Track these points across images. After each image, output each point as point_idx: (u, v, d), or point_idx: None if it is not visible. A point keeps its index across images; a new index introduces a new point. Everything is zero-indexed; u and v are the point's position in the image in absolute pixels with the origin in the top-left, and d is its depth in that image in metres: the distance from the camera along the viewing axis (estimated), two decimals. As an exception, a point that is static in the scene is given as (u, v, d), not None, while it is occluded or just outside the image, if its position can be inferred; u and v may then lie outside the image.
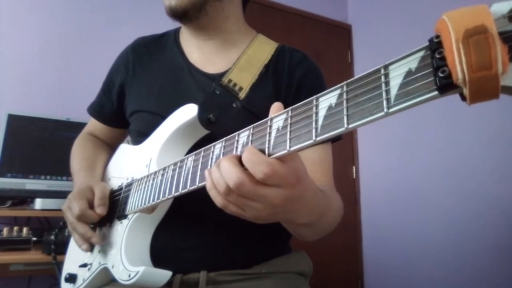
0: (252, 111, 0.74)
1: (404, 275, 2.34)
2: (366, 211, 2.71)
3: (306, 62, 0.84)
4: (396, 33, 2.49)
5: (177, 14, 0.77)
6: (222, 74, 0.77)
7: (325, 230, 0.66)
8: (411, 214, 2.35)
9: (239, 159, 0.44)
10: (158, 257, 0.69)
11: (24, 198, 1.61)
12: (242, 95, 0.75)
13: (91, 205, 0.73)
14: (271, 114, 0.45)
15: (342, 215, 0.70)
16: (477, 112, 2.02)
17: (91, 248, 0.74)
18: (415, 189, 2.34)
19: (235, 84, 0.76)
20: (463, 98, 0.28)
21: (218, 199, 0.46)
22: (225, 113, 0.71)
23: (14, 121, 1.69)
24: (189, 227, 0.72)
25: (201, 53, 0.84)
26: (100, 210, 0.72)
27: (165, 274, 0.63)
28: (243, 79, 0.77)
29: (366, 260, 2.67)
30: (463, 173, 2.09)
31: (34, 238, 1.41)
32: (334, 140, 0.82)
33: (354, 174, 2.78)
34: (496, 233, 1.92)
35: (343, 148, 2.72)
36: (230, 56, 0.82)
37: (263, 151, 0.43)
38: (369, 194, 2.70)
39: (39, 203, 1.50)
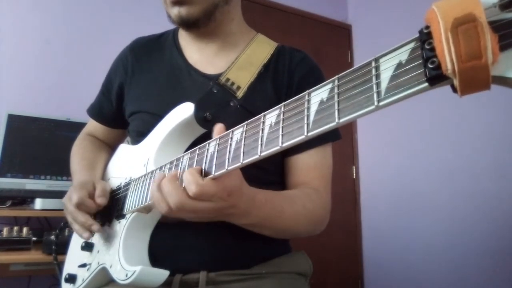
0: (249, 110, 0.73)
1: (404, 275, 2.33)
2: (366, 211, 2.70)
3: (306, 62, 0.83)
4: (396, 33, 2.48)
5: (189, 24, 0.76)
6: (221, 74, 0.77)
7: (288, 230, 0.70)
8: (411, 214, 2.35)
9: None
10: (157, 257, 0.69)
11: (24, 198, 1.61)
12: (240, 94, 0.74)
13: (91, 197, 0.73)
14: (215, 136, 0.52)
15: (321, 217, 0.73)
16: (477, 112, 2.02)
17: (91, 236, 0.73)
18: (415, 189, 2.33)
19: (233, 83, 0.75)
20: (454, 89, 0.27)
21: (162, 210, 0.56)
22: (222, 111, 0.70)
23: (14, 121, 1.69)
24: (188, 227, 0.71)
25: (201, 55, 0.83)
26: (100, 200, 0.72)
27: (163, 274, 0.63)
28: (241, 78, 0.76)
29: (366, 260, 2.66)
30: (463, 173, 2.08)
31: (34, 238, 1.41)
32: (334, 139, 0.81)
33: (354, 174, 2.77)
34: (496, 234, 1.91)
35: (343, 148, 2.72)
36: (229, 56, 0.81)
37: (200, 172, 0.51)
38: (369, 194, 2.69)
39: (39, 203, 1.50)
